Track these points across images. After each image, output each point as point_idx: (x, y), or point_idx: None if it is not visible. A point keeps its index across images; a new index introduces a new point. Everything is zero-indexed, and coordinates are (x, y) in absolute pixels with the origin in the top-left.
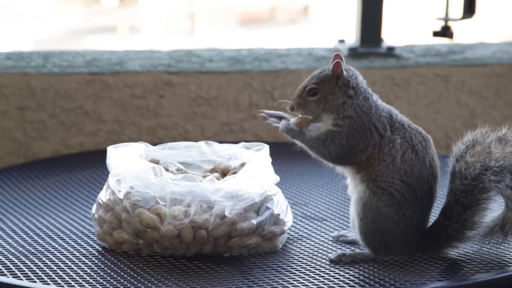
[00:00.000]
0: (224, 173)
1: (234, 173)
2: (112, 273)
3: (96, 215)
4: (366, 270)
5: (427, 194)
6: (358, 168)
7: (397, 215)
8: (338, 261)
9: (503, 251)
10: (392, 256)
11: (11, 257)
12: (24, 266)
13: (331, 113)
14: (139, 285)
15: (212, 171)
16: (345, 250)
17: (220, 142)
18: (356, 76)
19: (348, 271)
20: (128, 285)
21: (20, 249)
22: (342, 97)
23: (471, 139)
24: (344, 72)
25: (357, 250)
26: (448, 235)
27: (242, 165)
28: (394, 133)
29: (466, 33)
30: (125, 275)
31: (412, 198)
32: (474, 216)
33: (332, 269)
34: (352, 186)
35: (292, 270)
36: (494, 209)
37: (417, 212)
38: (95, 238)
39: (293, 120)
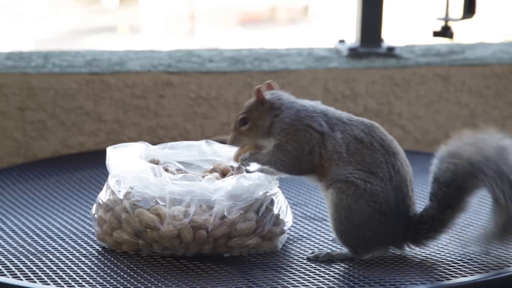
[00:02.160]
0: (223, 173)
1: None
2: (112, 273)
3: (96, 215)
4: (365, 270)
5: (392, 173)
6: (318, 176)
7: (370, 206)
8: (314, 260)
9: (503, 251)
10: (370, 253)
11: (11, 257)
12: (24, 266)
13: (266, 136)
14: (139, 285)
15: (212, 171)
16: (322, 250)
17: (221, 142)
18: (279, 97)
19: (348, 272)
20: (128, 285)
21: (20, 249)
22: (270, 118)
23: (476, 138)
24: (268, 96)
25: (337, 250)
26: (431, 215)
27: (238, 168)
28: (333, 129)
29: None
30: (125, 275)
31: (377, 181)
32: (451, 195)
33: (333, 269)
34: (324, 196)
35: (292, 270)
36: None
37: (390, 194)
38: (95, 238)
39: (237, 151)
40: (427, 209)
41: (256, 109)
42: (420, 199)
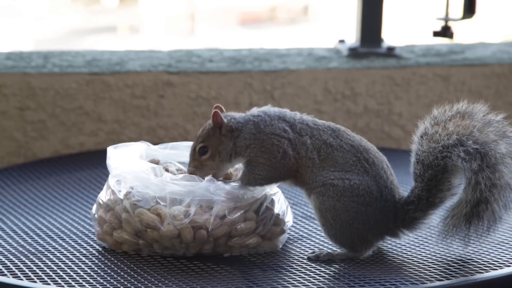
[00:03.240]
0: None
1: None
2: (112, 273)
3: (96, 215)
4: (365, 270)
5: (367, 166)
6: (296, 183)
7: (353, 201)
8: (315, 259)
9: (503, 251)
10: (369, 246)
11: (11, 257)
12: (24, 266)
13: (232, 158)
14: (139, 285)
15: None
16: (323, 249)
17: None
18: (233, 118)
19: (348, 271)
20: (128, 285)
21: (20, 249)
22: (231, 141)
23: (461, 108)
24: (224, 120)
25: (337, 250)
26: (418, 196)
27: (237, 169)
28: (301, 134)
29: (466, 33)
30: (125, 275)
31: (353, 176)
32: (436, 176)
33: (333, 269)
34: (309, 203)
35: (292, 270)
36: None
37: (370, 183)
38: (95, 238)
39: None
40: (413, 190)
41: (213, 135)
42: None
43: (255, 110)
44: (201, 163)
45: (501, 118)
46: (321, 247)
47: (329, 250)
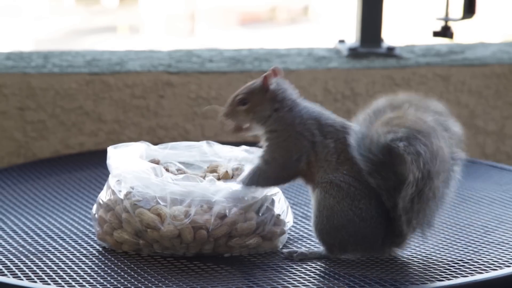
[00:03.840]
0: (219, 178)
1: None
2: (112, 273)
3: (96, 215)
4: (365, 270)
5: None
6: (305, 179)
7: (351, 210)
8: (288, 257)
9: (503, 251)
10: (345, 254)
11: (11, 257)
12: (24, 266)
13: (260, 124)
14: (139, 285)
15: (210, 171)
16: (300, 248)
17: (221, 142)
18: (284, 90)
19: (349, 271)
20: (128, 285)
21: (20, 249)
22: (269, 110)
23: (369, 112)
24: (273, 86)
25: (312, 249)
26: (390, 208)
27: (237, 169)
28: (327, 137)
29: (466, 33)
30: (125, 275)
31: (361, 186)
32: (391, 179)
33: (332, 269)
34: (311, 197)
35: (292, 270)
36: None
37: (372, 202)
38: (95, 238)
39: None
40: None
41: (258, 94)
42: None
43: (307, 103)
44: (235, 112)
45: (409, 95)
46: (321, 247)
47: (303, 250)
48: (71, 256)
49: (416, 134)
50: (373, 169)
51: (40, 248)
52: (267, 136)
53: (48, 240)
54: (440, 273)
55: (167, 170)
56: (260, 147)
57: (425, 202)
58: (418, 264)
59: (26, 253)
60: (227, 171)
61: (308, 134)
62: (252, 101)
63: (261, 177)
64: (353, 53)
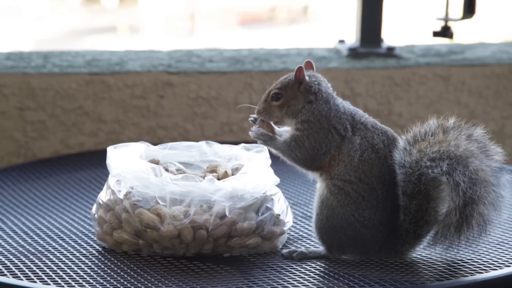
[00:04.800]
0: (219, 178)
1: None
2: (112, 273)
3: (96, 215)
4: (365, 270)
5: (390, 194)
6: (321, 170)
7: (353, 216)
8: (288, 257)
9: (502, 251)
10: (344, 255)
11: (11, 257)
12: (24, 266)
13: (293, 117)
14: (139, 285)
15: (210, 171)
16: (299, 247)
17: (221, 142)
18: (319, 82)
19: (349, 271)
20: (128, 285)
21: (20, 249)
22: (303, 102)
23: (417, 131)
24: (307, 78)
25: (311, 248)
26: (406, 229)
27: (237, 169)
28: (355, 133)
29: (466, 33)
30: (125, 275)
31: (372, 197)
32: (422, 206)
33: (332, 269)
34: (317, 186)
35: (292, 270)
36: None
37: (377, 213)
38: (95, 238)
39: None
40: (401, 223)
41: (292, 87)
42: None
43: (340, 99)
44: (270, 107)
45: (455, 121)
46: (320, 247)
47: (303, 249)
48: (71, 256)
49: (456, 163)
50: (410, 189)
51: (40, 248)
52: (297, 127)
53: (48, 240)
54: (440, 273)
55: (166, 170)
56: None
57: (473, 227)
58: (418, 264)
59: (26, 253)
60: (226, 171)
61: (341, 128)
62: (286, 95)
63: (291, 156)
64: (353, 53)
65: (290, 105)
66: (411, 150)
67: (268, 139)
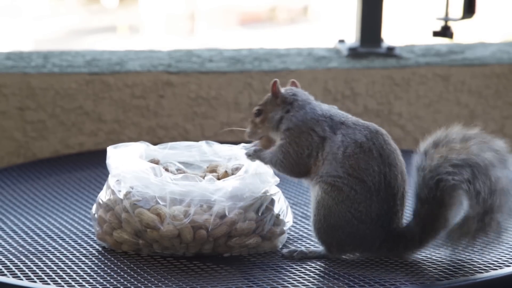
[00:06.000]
0: (219, 178)
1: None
2: (112, 273)
3: (96, 215)
4: (365, 270)
5: (383, 185)
6: (310, 175)
7: (349, 212)
8: (289, 257)
9: (502, 251)
10: (344, 254)
11: (11, 257)
12: (24, 266)
13: (276, 129)
14: (139, 285)
15: (210, 171)
16: (299, 247)
17: (221, 142)
18: (294, 93)
19: (348, 271)
20: (128, 285)
21: (20, 249)
22: (281, 112)
23: (440, 136)
24: (283, 91)
25: (311, 248)
26: (412, 233)
27: (237, 168)
28: (336, 132)
29: (466, 33)
30: (125, 275)
31: (363, 190)
32: (432, 212)
33: (332, 269)
34: (310, 190)
35: (292, 270)
36: (460, 208)
37: (373, 205)
38: (95, 238)
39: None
40: (409, 226)
41: (270, 102)
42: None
43: (320, 103)
44: (255, 126)
45: (478, 130)
46: (320, 247)
47: (303, 249)
48: (70, 256)
49: (477, 172)
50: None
51: (40, 248)
52: (281, 137)
53: (48, 240)
54: (440, 273)
55: (166, 170)
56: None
57: (489, 234)
58: (418, 264)
59: (26, 253)
60: (226, 171)
61: (320, 130)
62: (266, 110)
63: (277, 163)
64: (353, 53)
65: (269, 118)
66: (433, 154)
67: (258, 153)
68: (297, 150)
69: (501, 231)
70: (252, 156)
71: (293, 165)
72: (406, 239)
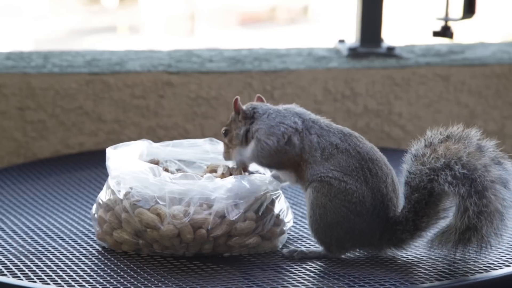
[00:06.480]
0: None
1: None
2: (112, 273)
3: (96, 215)
4: (366, 270)
5: (369, 176)
6: (296, 177)
7: (344, 206)
8: (289, 257)
9: (502, 251)
10: (344, 252)
11: (11, 257)
12: (24, 266)
13: (244, 143)
14: (139, 285)
15: (210, 171)
16: (299, 247)
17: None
18: (254, 107)
19: (348, 271)
20: (128, 285)
21: (20, 249)
22: (244, 127)
23: (452, 133)
24: (244, 107)
25: (311, 248)
26: (406, 218)
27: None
28: (311, 132)
29: (466, 33)
30: (125, 275)
31: (352, 180)
32: (423, 199)
33: (332, 269)
34: (305, 197)
35: (292, 270)
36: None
37: (366, 194)
38: (95, 238)
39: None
40: (402, 210)
41: (234, 120)
42: None
43: (280, 106)
44: (227, 146)
45: (494, 144)
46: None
47: (303, 249)
48: (70, 256)
49: (474, 192)
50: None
51: (40, 248)
52: (254, 138)
53: (48, 240)
54: (440, 273)
55: (166, 170)
56: None
57: (470, 248)
58: (418, 264)
59: (26, 253)
60: (223, 173)
61: (290, 122)
62: (231, 129)
63: (258, 155)
64: (353, 53)
65: (235, 135)
66: (437, 149)
67: (239, 157)
68: (273, 139)
69: (484, 246)
70: (237, 164)
71: (272, 154)
72: (403, 225)
